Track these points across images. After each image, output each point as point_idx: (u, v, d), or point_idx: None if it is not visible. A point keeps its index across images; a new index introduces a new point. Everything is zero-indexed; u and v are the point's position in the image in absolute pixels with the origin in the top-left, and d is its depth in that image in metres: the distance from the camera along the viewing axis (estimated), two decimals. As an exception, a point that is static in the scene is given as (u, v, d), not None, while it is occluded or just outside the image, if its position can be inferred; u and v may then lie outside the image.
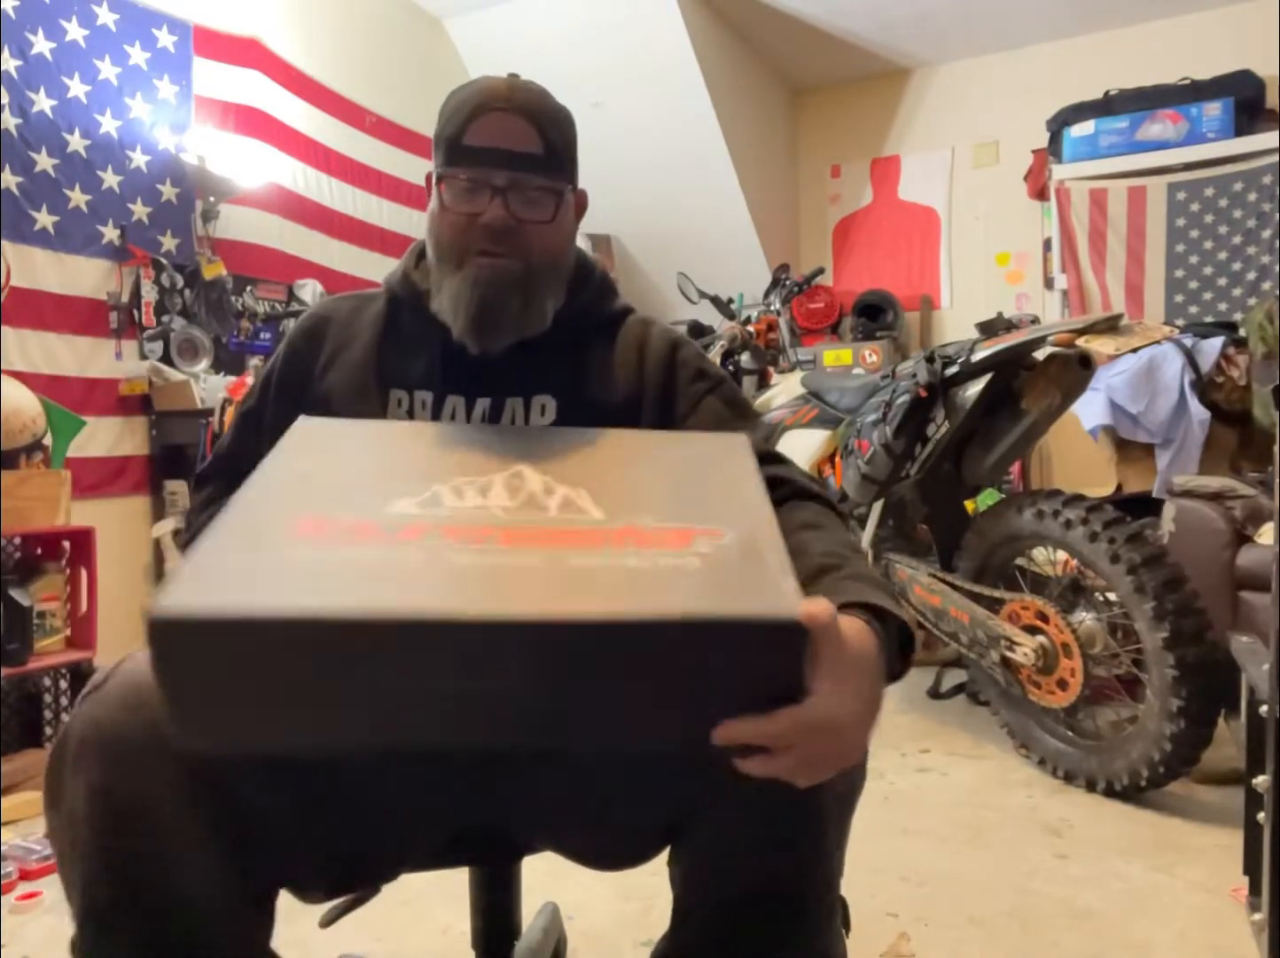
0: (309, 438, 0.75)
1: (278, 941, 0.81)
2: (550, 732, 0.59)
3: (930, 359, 2.19)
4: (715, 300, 3.39)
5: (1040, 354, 2.11)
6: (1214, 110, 3.98)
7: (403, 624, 0.53)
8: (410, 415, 0.96)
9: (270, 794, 0.76)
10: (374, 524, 0.61)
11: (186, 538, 0.99)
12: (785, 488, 0.88)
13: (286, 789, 0.77)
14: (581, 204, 1.01)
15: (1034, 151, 4.59)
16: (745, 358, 3.57)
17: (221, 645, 0.53)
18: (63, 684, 2.46)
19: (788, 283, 3.29)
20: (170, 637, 0.53)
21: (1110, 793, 2.01)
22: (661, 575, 0.58)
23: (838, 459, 2.59)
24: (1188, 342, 3.30)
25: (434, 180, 0.94)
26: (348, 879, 0.86)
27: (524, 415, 0.96)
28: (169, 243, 3.14)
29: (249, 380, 3.08)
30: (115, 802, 0.69)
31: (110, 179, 2.98)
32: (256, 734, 0.58)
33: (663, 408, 0.98)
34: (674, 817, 0.78)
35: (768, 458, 0.91)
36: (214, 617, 0.52)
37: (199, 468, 1.04)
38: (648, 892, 1.56)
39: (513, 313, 0.92)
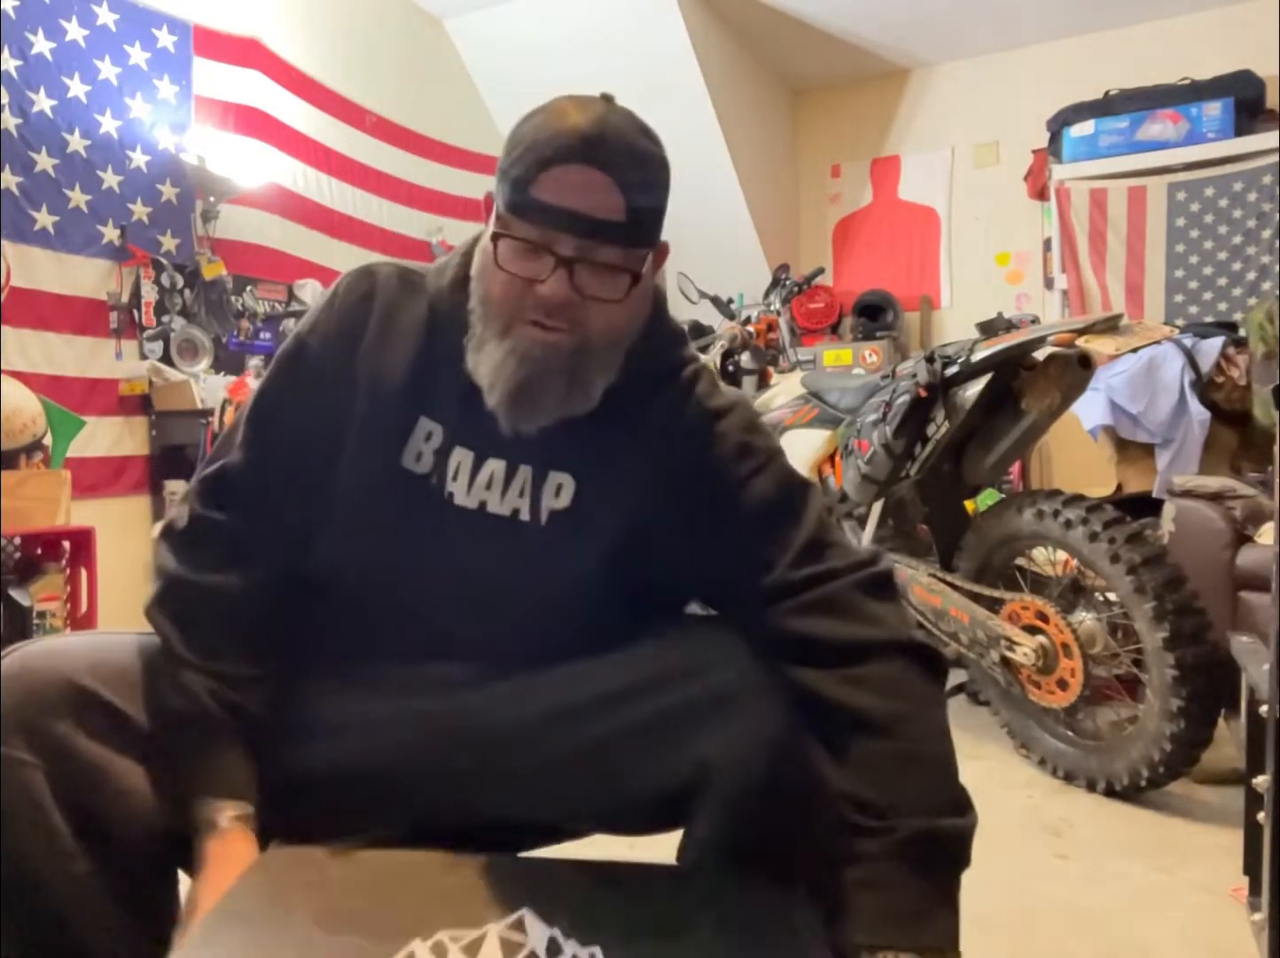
0: (270, 881, 0.69)
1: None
2: None
3: (930, 359, 2.18)
4: (715, 300, 3.39)
5: (1040, 354, 2.10)
6: (1214, 110, 3.98)
7: None
8: (439, 458, 0.85)
9: (128, 781, 0.79)
10: None
11: (175, 607, 0.85)
12: (859, 637, 0.80)
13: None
14: (662, 255, 0.88)
15: (1034, 151, 4.59)
16: (745, 358, 3.57)
17: None
18: (63, 684, 2.45)
19: (788, 283, 3.29)
20: None
21: (1110, 793, 2.00)
22: None
23: (838, 459, 2.58)
24: (1188, 342, 3.29)
25: (491, 217, 0.82)
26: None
27: (531, 490, 0.85)
28: (169, 243, 3.14)
29: (249, 381, 3.08)
30: None
31: (110, 179, 2.98)
32: None
33: (699, 491, 0.85)
34: (672, 791, 0.78)
35: (829, 550, 0.83)
36: None
37: (204, 467, 0.91)
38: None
39: (556, 396, 0.80)
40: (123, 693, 0.80)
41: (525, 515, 0.85)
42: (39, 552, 2.49)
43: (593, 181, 0.75)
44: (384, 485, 0.85)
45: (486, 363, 0.81)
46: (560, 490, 0.84)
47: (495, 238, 0.78)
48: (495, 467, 0.85)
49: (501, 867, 0.74)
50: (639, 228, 0.79)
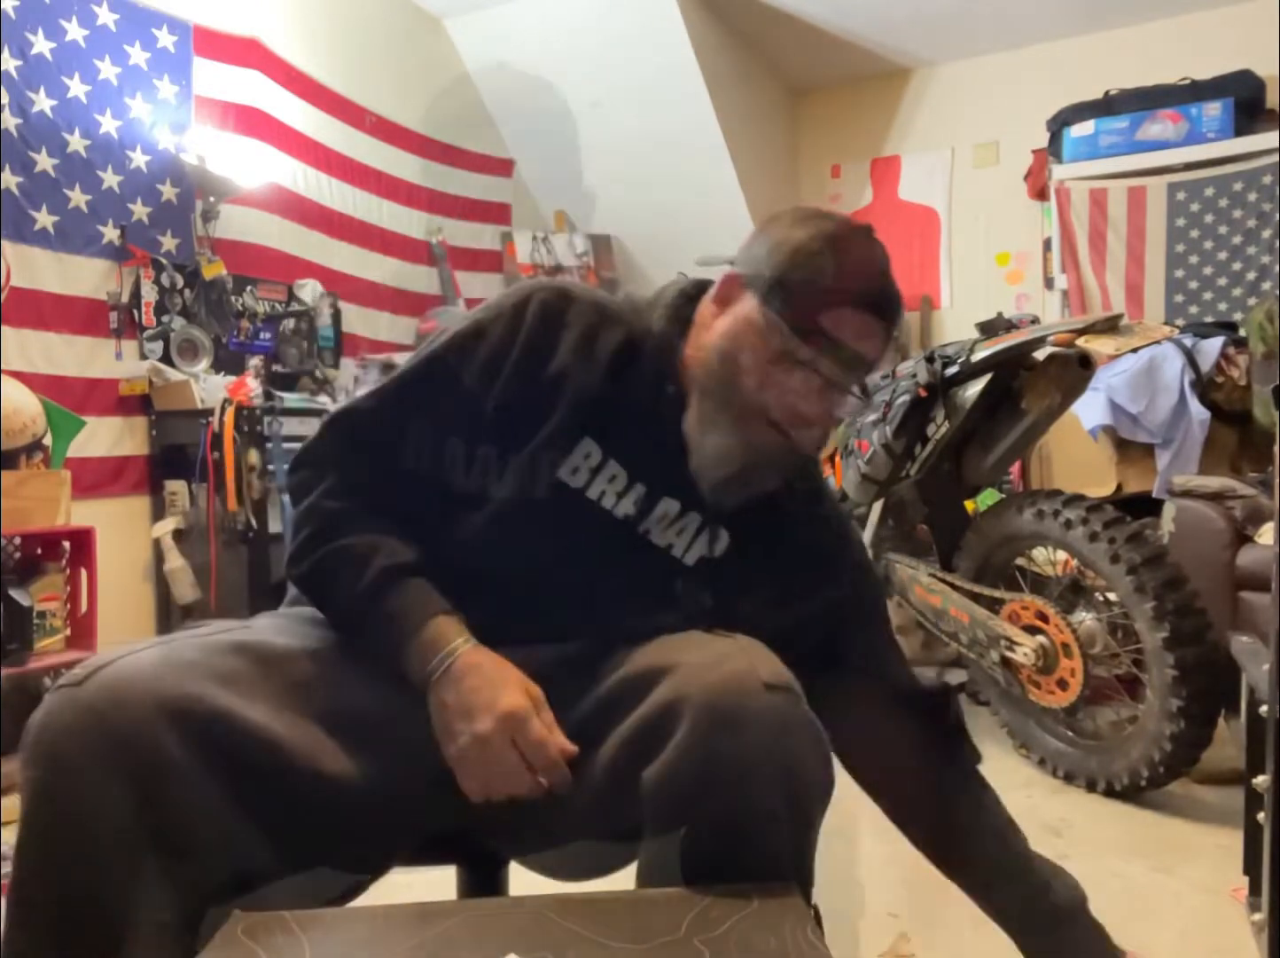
0: None
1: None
2: None
3: (930, 359, 2.18)
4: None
5: (1040, 354, 2.11)
6: (1214, 110, 3.98)
7: None
8: (594, 475, 0.90)
9: (227, 810, 0.74)
10: None
11: (307, 535, 0.88)
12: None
13: (246, 805, 0.75)
14: None
15: (1034, 151, 4.58)
16: (745, 358, 3.57)
17: None
18: (63, 684, 2.45)
19: (788, 283, 3.29)
20: None
21: (1110, 793, 2.01)
22: None
23: (838, 459, 2.59)
24: (1188, 342, 3.29)
25: (752, 310, 0.87)
26: (312, 891, 0.83)
27: (695, 533, 0.93)
28: (169, 243, 3.14)
29: (249, 381, 3.08)
30: (56, 805, 0.70)
31: (110, 179, 2.98)
32: None
33: (812, 601, 0.97)
34: (633, 830, 0.78)
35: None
36: None
37: (344, 407, 0.94)
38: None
39: (763, 483, 0.91)
40: (215, 695, 0.76)
41: (678, 552, 0.93)
42: (39, 552, 2.49)
43: (874, 329, 0.87)
44: (537, 491, 0.89)
45: (714, 442, 0.88)
46: (717, 542, 0.93)
47: (775, 343, 0.85)
48: (669, 505, 0.92)
49: (479, 911, 0.73)
50: (882, 360, 0.90)
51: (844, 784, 2.03)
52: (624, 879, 0.83)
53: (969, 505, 2.63)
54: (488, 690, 0.79)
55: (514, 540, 0.89)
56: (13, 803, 2.05)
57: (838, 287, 0.85)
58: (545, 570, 0.89)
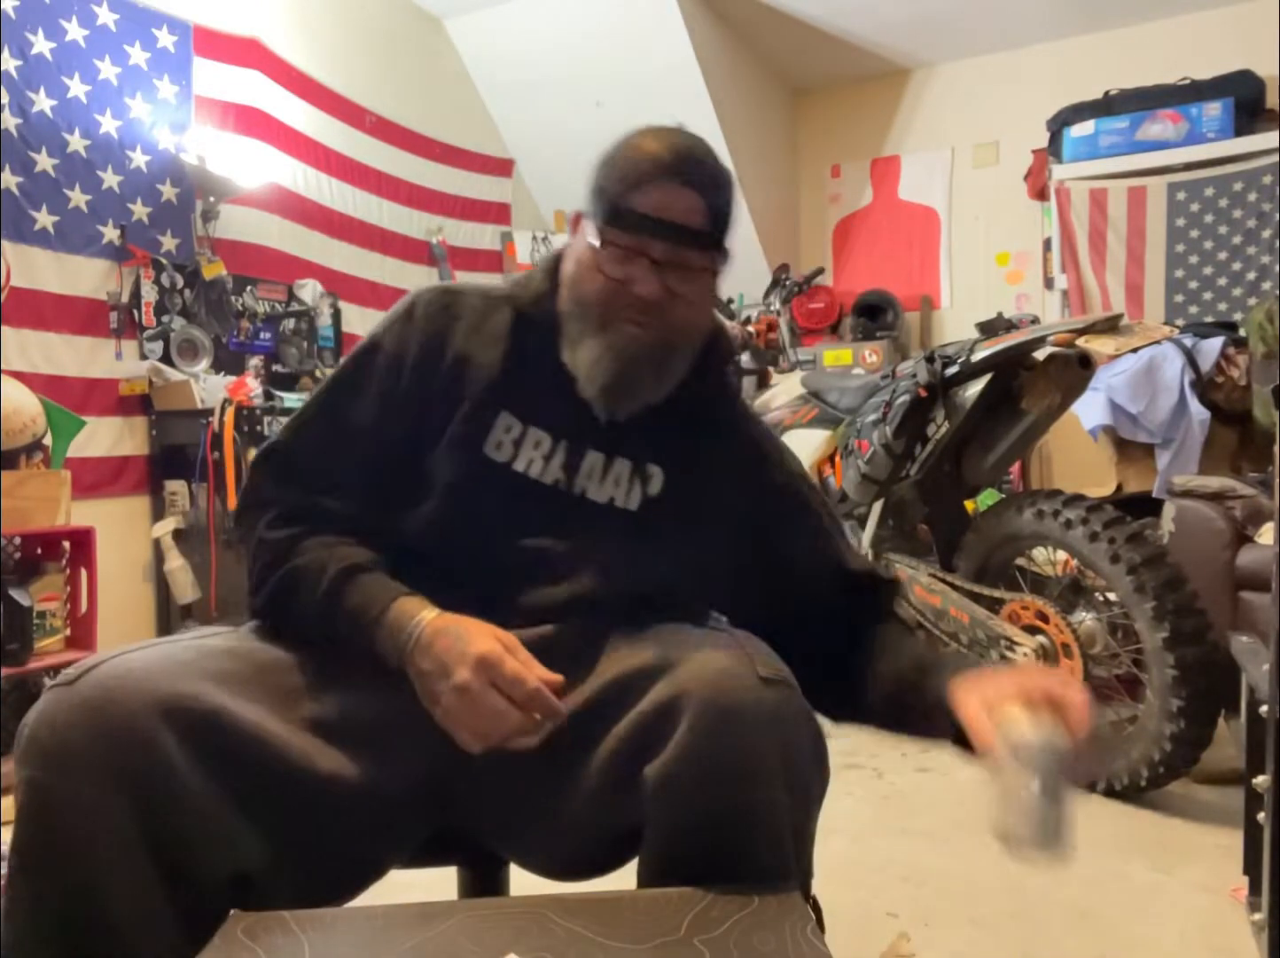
0: None
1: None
2: None
3: (930, 359, 2.18)
4: (715, 300, 3.39)
5: (1040, 354, 2.11)
6: (1214, 110, 3.98)
7: None
8: (517, 447, 0.93)
9: (223, 807, 0.74)
10: None
11: (261, 566, 0.90)
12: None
13: (242, 804, 0.75)
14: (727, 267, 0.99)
15: (1034, 151, 4.58)
16: (745, 358, 3.58)
17: None
18: (63, 684, 2.45)
19: (788, 283, 3.30)
20: None
21: (1110, 793, 2.00)
22: None
23: (838, 459, 2.58)
24: (1188, 342, 3.29)
25: (588, 231, 0.91)
26: (310, 892, 0.83)
27: (629, 478, 0.95)
28: (169, 243, 3.14)
29: (249, 381, 3.08)
30: (51, 803, 0.70)
31: (110, 179, 2.98)
32: None
33: (759, 504, 0.99)
34: (632, 829, 0.78)
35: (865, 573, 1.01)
36: None
37: (267, 446, 0.97)
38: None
39: (646, 384, 0.92)
40: (211, 693, 0.77)
41: (620, 502, 0.94)
42: (39, 552, 2.49)
43: (683, 198, 0.88)
44: (466, 471, 0.92)
45: (585, 357, 0.91)
46: (652, 480, 0.95)
47: (598, 245, 0.89)
48: (596, 459, 0.94)
49: (479, 911, 0.73)
50: (718, 234, 0.91)
51: (845, 785, 2.03)
52: (624, 879, 0.83)
53: (969, 505, 2.63)
54: (459, 645, 0.80)
55: (459, 528, 0.91)
56: (12, 803, 2.05)
57: (637, 168, 0.88)
58: (497, 551, 0.91)
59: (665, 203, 0.87)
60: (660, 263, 0.88)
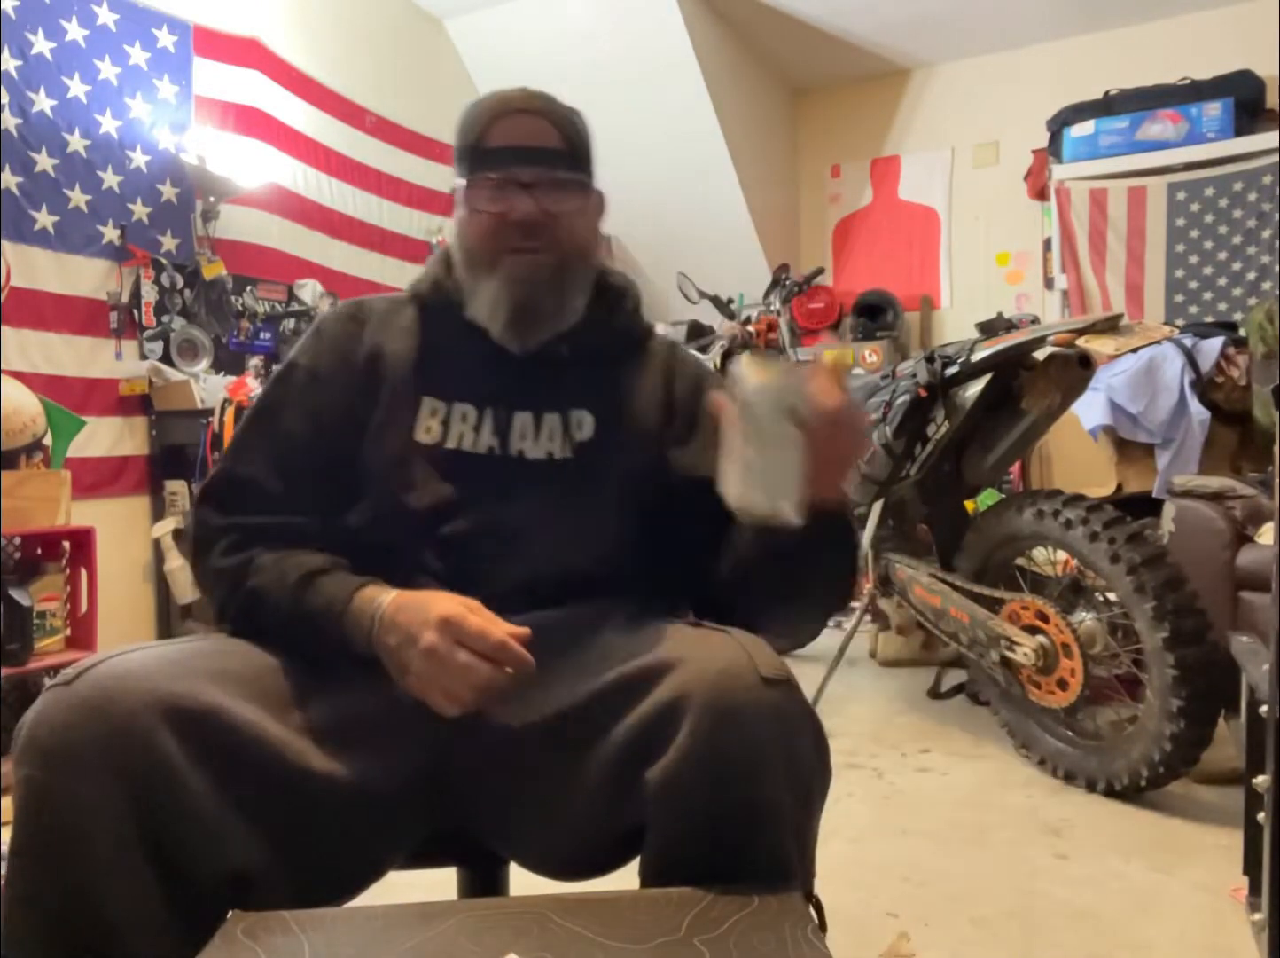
0: None
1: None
2: None
3: (930, 359, 2.18)
4: (715, 300, 3.39)
5: (1040, 354, 2.11)
6: (1214, 110, 3.98)
7: None
8: (445, 426, 0.95)
9: (222, 806, 0.74)
10: None
11: (223, 594, 0.91)
12: None
13: (244, 806, 0.75)
14: (601, 205, 1.02)
15: (1034, 151, 4.59)
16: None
17: None
18: (63, 684, 2.45)
19: (788, 283, 3.30)
20: None
21: (1110, 793, 2.01)
22: None
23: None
24: (1188, 342, 3.29)
25: (460, 188, 0.96)
26: (309, 891, 0.83)
27: (562, 429, 0.97)
28: (169, 243, 3.14)
29: (249, 381, 3.08)
30: (50, 802, 0.69)
31: (110, 179, 2.98)
32: None
33: (688, 432, 1.00)
34: (633, 829, 0.77)
35: None
36: None
37: (206, 482, 0.98)
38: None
39: (549, 308, 0.95)
40: (211, 694, 0.77)
41: (558, 454, 0.96)
42: (39, 552, 2.49)
43: (533, 124, 0.94)
44: (400, 461, 0.94)
45: (485, 299, 0.95)
46: (582, 424, 0.97)
47: (467, 187, 0.95)
48: (524, 418, 0.96)
49: (479, 911, 0.73)
50: (576, 152, 0.96)
51: (845, 785, 2.03)
52: (625, 879, 0.82)
53: (969, 505, 2.63)
54: (420, 613, 0.81)
55: (404, 518, 0.93)
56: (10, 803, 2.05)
57: (483, 113, 0.95)
58: (449, 531, 0.92)
59: (517, 131, 0.94)
60: (529, 184, 0.92)
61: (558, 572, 0.92)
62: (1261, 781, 1.05)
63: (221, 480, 0.96)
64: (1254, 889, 1.13)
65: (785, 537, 0.81)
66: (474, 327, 0.97)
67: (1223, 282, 4.03)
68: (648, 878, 0.78)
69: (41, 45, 2.79)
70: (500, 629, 0.80)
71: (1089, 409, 3.28)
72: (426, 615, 0.81)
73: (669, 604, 0.98)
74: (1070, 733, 2.14)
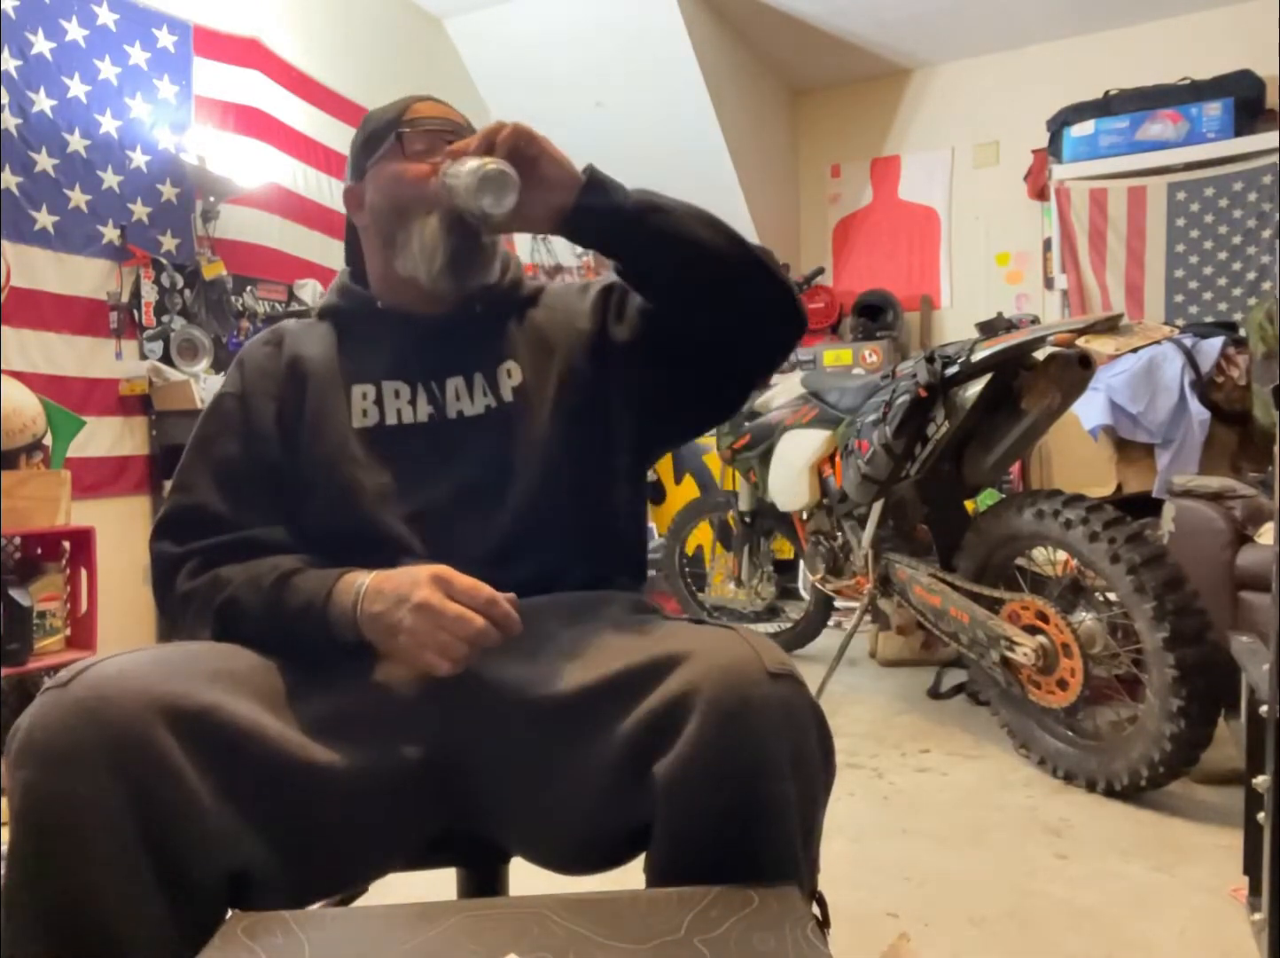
0: None
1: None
2: None
3: (930, 359, 2.18)
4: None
5: (1040, 354, 2.11)
6: (1214, 110, 3.98)
7: None
8: (380, 407, 0.99)
9: (221, 809, 0.74)
10: None
11: (194, 615, 0.92)
12: None
13: (243, 804, 0.75)
14: None
15: (1034, 151, 4.59)
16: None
17: None
18: (63, 684, 2.45)
19: (788, 283, 3.29)
20: None
21: (1110, 793, 2.01)
22: None
23: (838, 459, 2.59)
24: (1188, 342, 3.29)
25: (375, 165, 1.03)
26: (310, 890, 0.83)
27: (494, 382, 1.00)
28: (169, 243, 3.14)
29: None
30: (47, 803, 0.69)
31: (110, 179, 2.98)
32: None
33: (607, 335, 1.06)
34: (639, 824, 0.77)
35: None
36: None
37: (157, 520, 1.00)
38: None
39: (478, 251, 1.00)
40: (205, 692, 0.77)
41: (495, 405, 1.00)
42: (39, 552, 2.49)
43: (442, 109, 1.06)
44: (343, 449, 0.97)
45: (417, 247, 0.98)
46: (511, 373, 1.02)
47: (397, 143, 1.01)
48: (455, 383, 1.00)
49: (479, 911, 0.73)
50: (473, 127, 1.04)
51: (845, 785, 2.03)
52: (625, 879, 0.83)
53: (969, 505, 2.63)
54: (409, 575, 0.84)
55: (361, 507, 0.95)
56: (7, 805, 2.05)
57: (387, 112, 1.04)
58: (408, 506, 0.95)
59: (431, 112, 1.03)
60: (449, 137, 0.99)
61: (528, 509, 0.95)
62: (1261, 781, 1.05)
63: (172, 515, 0.98)
64: (1254, 889, 1.13)
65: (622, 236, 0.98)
66: (387, 312, 1.03)
67: (1223, 282, 4.03)
68: (654, 873, 0.78)
69: (41, 45, 2.79)
70: (489, 588, 0.82)
71: (1089, 409, 3.28)
72: (416, 576, 0.83)
73: (632, 509, 1.05)
74: (1070, 733, 2.14)
